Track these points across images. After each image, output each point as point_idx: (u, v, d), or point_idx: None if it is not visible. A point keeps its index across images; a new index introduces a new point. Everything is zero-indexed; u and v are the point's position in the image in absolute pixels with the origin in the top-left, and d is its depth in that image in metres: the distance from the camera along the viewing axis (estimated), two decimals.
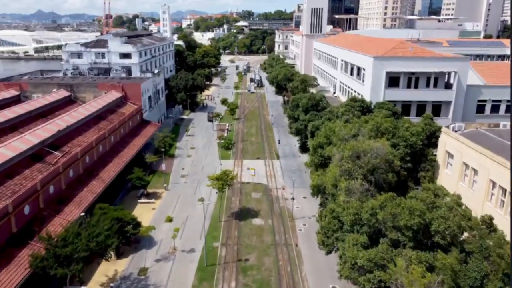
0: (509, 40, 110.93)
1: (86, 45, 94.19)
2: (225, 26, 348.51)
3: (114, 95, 71.64)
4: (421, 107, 55.60)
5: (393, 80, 55.46)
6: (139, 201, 52.83)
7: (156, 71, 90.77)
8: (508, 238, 22.38)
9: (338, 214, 28.20)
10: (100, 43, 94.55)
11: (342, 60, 72.00)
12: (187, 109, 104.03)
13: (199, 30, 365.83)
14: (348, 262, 24.59)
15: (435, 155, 39.15)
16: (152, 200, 53.04)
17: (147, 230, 40.76)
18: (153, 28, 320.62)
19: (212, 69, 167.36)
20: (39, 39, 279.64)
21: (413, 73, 54.76)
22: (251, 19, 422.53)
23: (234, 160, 69.91)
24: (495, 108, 55.80)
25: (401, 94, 54.93)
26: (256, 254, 41.42)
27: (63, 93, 71.08)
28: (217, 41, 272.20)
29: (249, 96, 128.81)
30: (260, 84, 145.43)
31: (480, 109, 56.29)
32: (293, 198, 50.97)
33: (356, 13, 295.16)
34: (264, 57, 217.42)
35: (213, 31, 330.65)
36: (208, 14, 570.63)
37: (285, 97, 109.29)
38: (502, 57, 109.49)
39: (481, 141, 33.88)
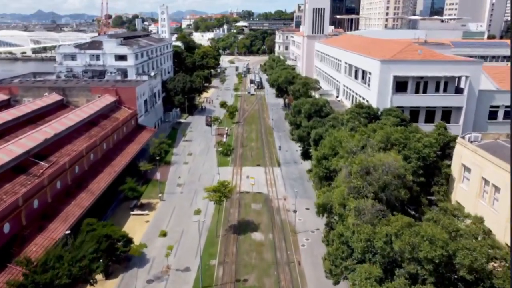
0: None
1: (80, 46, 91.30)
2: (225, 26, 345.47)
3: (107, 99, 68.71)
4: (430, 113, 52.57)
5: (400, 85, 52.44)
6: (132, 213, 49.87)
7: (152, 74, 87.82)
8: None
9: (347, 239, 25.27)
10: (95, 44, 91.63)
11: (346, 63, 69.00)
12: (185, 112, 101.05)
13: (199, 30, 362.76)
14: None
15: (449, 165, 36.17)
16: (146, 212, 50.07)
17: (138, 249, 37.79)
18: (152, 28, 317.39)
19: (212, 70, 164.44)
20: (37, 40, 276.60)
21: (422, 78, 51.75)
22: (251, 19, 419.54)
23: (233, 167, 66.94)
24: (508, 114, 52.75)
25: (409, 100, 51.89)
26: (255, 274, 38.45)
27: (54, 97, 68.15)
28: (217, 41, 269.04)
29: (249, 99, 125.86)
30: (260, 86, 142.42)
31: (493, 115, 53.23)
32: (295, 211, 47.99)
33: (357, 13, 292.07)
34: (264, 58, 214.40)
35: (212, 31, 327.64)
36: (208, 14, 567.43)
37: (286, 100, 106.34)
38: (507, 58, 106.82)
39: (501, 155, 30.90)
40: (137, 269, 39.03)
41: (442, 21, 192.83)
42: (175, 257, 41.00)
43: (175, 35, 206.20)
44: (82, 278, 30.24)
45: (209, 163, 68.18)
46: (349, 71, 67.05)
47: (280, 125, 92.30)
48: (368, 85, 56.02)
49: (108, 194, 50.10)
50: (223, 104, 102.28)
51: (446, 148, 36.96)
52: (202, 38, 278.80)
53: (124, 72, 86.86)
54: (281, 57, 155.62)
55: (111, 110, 67.54)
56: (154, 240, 43.84)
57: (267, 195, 56.31)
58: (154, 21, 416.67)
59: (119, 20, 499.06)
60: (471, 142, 35.17)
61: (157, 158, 58.88)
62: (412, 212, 34.05)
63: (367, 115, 47.37)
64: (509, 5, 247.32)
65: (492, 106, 52.69)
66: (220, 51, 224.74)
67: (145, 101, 78.52)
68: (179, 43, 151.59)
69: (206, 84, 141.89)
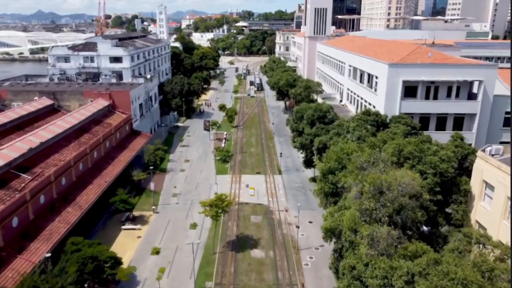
0: None
1: (74, 48, 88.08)
2: (225, 27, 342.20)
3: (100, 103, 65.48)
4: (441, 120, 49.45)
5: (409, 90, 49.30)
6: (123, 227, 46.64)
7: (148, 76, 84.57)
8: None
9: (360, 274, 22.11)
10: (89, 46, 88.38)
11: (350, 66, 65.82)
12: (183, 115, 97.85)
13: (198, 30, 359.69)
14: None
15: (468, 181, 32.96)
16: (138, 226, 46.86)
17: (126, 273, 34.52)
18: (152, 28, 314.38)
19: (211, 71, 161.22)
20: (35, 40, 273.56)
21: (432, 82, 48.61)
22: (251, 19, 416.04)
23: (231, 175, 63.73)
24: None
25: (419, 106, 48.75)
26: None
27: (45, 102, 64.89)
28: (217, 42, 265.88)
29: (249, 101, 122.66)
30: (260, 88, 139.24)
31: (507, 122, 50.09)
32: (298, 227, 44.76)
33: (358, 13, 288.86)
34: (264, 58, 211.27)
35: (212, 32, 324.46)
36: (208, 14, 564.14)
37: (287, 103, 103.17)
38: None
39: None
40: None
41: (446, 21, 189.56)
42: (168, 278, 37.82)
43: (175, 36, 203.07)
44: None
45: (206, 171, 64.96)
46: (354, 74, 63.88)
47: (281, 129, 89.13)
48: (375, 90, 52.83)
49: (98, 206, 46.93)
50: (222, 107, 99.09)
51: (464, 162, 33.75)
52: (202, 39, 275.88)
53: (119, 75, 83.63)
54: (282, 58, 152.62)
55: (104, 115, 64.32)
56: (146, 259, 40.65)
57: (268, 206, 53.13)
58: (154, 21, 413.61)
59: (118, 20, 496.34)
60: (492, 155, 31.99)
61: (151, 167, 55.57)
62: (426, 229, 30.86)
63: (374, 122, 44.24)
64: None
65: (507, 113, 49.53)
66: (220, 51, 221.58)
67: (141, 105, 75.28)
68: (177, 44, 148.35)
69: (205, 86, 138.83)
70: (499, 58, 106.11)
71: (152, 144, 67.67)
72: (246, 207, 52.87)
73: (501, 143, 41.98)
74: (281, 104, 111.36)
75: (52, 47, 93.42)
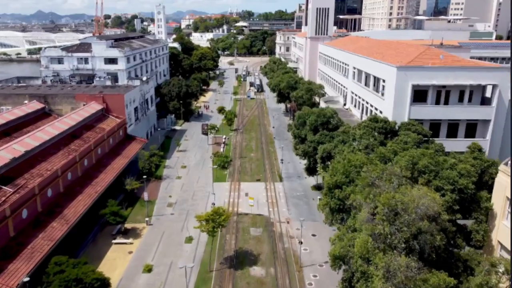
0: None
1: (67, 49, 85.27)
2: (225, 27, 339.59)
3: (93, 107, 62.61)
4: (452, 126, 46.51)
5: (418, 95, 46.35)
6: (114, 241, 43.71)
7: (144, 78, 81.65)
8: None
9: None
10: (83, 47, 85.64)
11: (354, 68, 62.88)
12: (181, 118, 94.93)
13: (198, 30, 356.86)
14: None
15: (489, 198, 30.02)
16: (130, 240, 43.90)
17: None
18: (152, 28, 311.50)
19: (210, 72, 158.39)
20: (32, 40, 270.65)
21: (443, 86, 45.68)
22: (251, 19, 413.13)
23: (230, 182, 60.85)
24: None
25: (430, 112, 45.80)
26: None
27: (35, 106, 62.00)
28: (216, 42, 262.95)
29: (249, 103, 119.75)
30: (260, 89, 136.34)
31: None
32: (301, 242, 41.83)
33: (359, 13, 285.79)
34: (264, 59, 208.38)
35: (212, 32, 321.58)
36: (208, 14, 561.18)
37: (288, 105, 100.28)
38: None
39: None
40: None
41: (449, 21, 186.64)
42: None
43: (174, 36, 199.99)
44: None
45: (204, 178, 62.01)
46: (358, 77, 60.96)
47: (281, 132, 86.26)
48: (382, 94, 49.90)
49: (88, 218, 44.05)
50: (221, 110, 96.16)
51: (483, 175, 30.84)
52: (201, 39, 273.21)
53: (114, 77, 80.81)
54: (282, 59, 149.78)
55: (96, 119, 61.43)
56: (137, 277, 37.75)
57: (268, 217, 50.21)
58: (154, 21, 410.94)
59: (118, 20, 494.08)
60: None
61: (144, 176, 52.69)
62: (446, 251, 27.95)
63: (383, 130, 41.33)
64: None
65: None
66: (220, 52, 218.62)
67: (136, 108, 72.37)
68: (176, 45, 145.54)
69: (204, 88, 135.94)
70: (504, 59, 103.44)
71: (148, 150, 64.89)
72: (246, 218, 49.95)
73: None
74: (282, 106, 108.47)
75: (45, 48, 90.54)
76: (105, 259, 40.35)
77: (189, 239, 44.23)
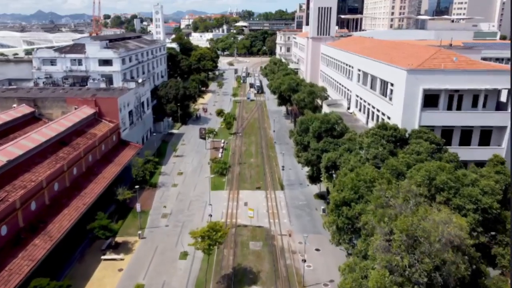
0: None
1: (60, 50, 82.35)
2: (225, 27, 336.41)
3: (85, 111, 59.64)
4: (466, 133, 43.50)
5: (429, 99, 43.34)
6: (103, 257, 40.69)
7: (140, 80, 78.66)
8: None
9: None
10: (76, 47, 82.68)
11: (359, 70, 59.84)
12: (178, 121, 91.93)
13: (198, 30, 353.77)
14: None
15: None
16: (120, 256, 40.89)
17: None
18: (151, 28, 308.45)
19: (209, 73, 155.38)
20: (30, 41, 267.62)
21: (456, 90, 42.67)
22: (251, 19, 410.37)
23: (228, 190, 57.84)
24: None
25: (442, 118, 42.79)
26: None
27: (24, 110, 59.04)
28: (216, 42, 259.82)
29: (248, 105, 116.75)
30: (260, 91, 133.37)
31: None
32: (304, 261, 38.81)
33: (361, 13, 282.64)
34: (265, 59, 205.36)
35: (212, 32, 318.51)
36: (208, 14, 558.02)
37: (289, 108, 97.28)
38: None
39: None
40: None
41: (452, 21, 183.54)
42: None
43: (173, 36, 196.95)
44: None
45: (201, 186, 58.95)
46: (364, 79, 57.94)
47: (282, 136, 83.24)
48: (390, 98, 46.86)
49: (75, 233, 41.05)
50: (220, 112, 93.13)
51: (507, 191, 27.84)
52: (201, 39, 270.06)
53: (109, 78, 77.79)
54: (283, 60, 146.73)
55: (88, 124, 58.45)
56: None
57: (269, 229, 47.20)
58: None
59: (117, 20, 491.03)
60: None
61: (136, 186, 49.71)
62: None
63: (392, 138, 38.32)
64: None
65: None
66: (219, 52, 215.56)
67: (130, 112, 69.34)
68: (174, 45, 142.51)
69: (203, 89, 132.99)
70: (509, 59, 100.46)
71: (143, 155, 62.02)
72: (245, 230, 46.94)
73: None
74: (283, 108, 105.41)
75: (37, 48, 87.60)
76: (92, 279, 37.37)
77: (184, 255, 41.23)
